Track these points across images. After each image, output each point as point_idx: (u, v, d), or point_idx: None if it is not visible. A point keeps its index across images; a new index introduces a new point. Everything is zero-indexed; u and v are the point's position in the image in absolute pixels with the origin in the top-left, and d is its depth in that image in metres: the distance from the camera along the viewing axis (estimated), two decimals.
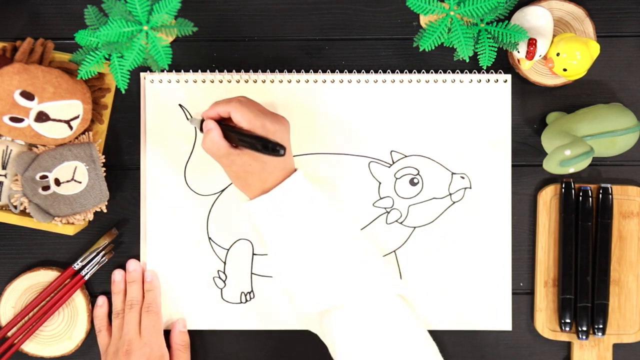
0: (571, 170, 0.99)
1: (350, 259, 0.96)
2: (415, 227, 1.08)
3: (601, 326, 1.06)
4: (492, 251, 1.08)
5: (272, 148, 0.91)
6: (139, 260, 1.08)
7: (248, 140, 0.93)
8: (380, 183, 1.08)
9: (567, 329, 1.07)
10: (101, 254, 1.08)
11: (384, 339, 0.92)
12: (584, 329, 1.06)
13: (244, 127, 0.95)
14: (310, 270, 0.96)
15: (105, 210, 1.06)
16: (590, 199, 1.07)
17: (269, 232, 0.97)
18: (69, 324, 1.08)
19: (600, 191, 1.07)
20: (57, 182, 1.03)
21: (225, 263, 1.08)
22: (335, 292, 0.94)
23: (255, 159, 0.95)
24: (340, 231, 0.97)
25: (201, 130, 0.99)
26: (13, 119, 0.99)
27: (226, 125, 0.97)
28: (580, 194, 1.07)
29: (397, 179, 1.08)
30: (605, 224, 1.07)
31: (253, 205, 0.97)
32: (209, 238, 1.08)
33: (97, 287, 1.09)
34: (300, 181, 0.97)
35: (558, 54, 1.00)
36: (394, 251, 1.08)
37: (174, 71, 1.08)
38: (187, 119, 1.07)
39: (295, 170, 0.99)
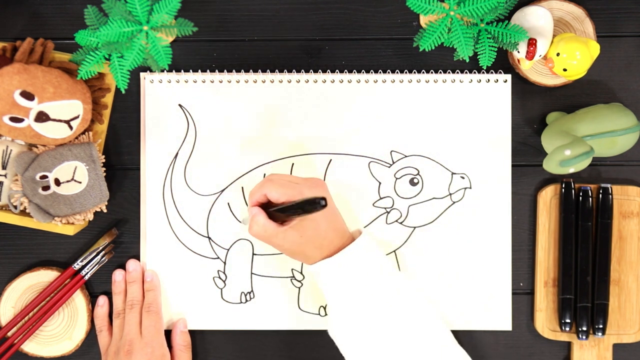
0: (571, 170, 0.99)
1: (413, 324, 0.97)
2: (415, 227, 1.08)
3: (601, 326, 1.06)
4: (492, 251, 1.08)
5: (312, 203, 0.91)
6: (139, 260, 1.08)
7: (290, 208, 0.94)
8: (380, 183, 1.08)
9: (567, 329, 1.07)
10: (101, 254, 1.08)
11: None
12: (584, 329, 1.06)
13: (284, 202, 0.96)
14: (374, 335, 0.96)
15: (105, 210, 1.06)
16: (590, 199, 1.06)
17: (333, 294, 0.98)
18: (69, 324, 1.08)
19: (600, 191, 1.07)
20: (57, 182, 1.03)
21: (225, 263, 1.08)
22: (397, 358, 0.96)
23: (303, 230, 0.96)
24: (403, 295, 0.98)
25: None
26: (13, 119, 0.99)
27: (269, 208, 0.98)
28: (580, 194, 1.07)
29: (397, 179, 1.08)
30: (605, 224, 1.07)
31: (317, 268, 0.98)
32: (209, 238, 1.08)
33: (97, 287, 1.09)
34: (367, 244, 0.98)
35: (558, 54, 1.00)
36: (394, 251, 1.08)
37: (174, 71, 1.08)
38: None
39: (351, 230, 1.00)
